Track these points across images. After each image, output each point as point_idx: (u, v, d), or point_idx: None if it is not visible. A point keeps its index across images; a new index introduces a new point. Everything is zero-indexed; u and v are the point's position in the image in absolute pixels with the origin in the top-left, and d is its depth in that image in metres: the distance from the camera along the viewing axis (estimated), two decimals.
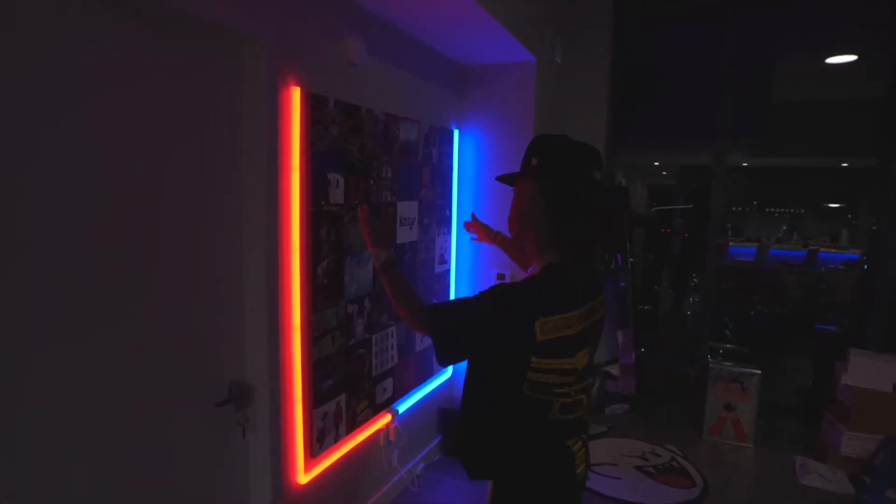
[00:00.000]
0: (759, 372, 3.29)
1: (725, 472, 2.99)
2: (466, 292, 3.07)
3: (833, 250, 7.87)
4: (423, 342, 2.72)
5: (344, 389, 2.12)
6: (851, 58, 4.04)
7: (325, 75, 1.94)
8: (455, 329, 1.19)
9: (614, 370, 3.46)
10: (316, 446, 1.99)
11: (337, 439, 2.11)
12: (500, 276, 2.94)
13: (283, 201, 1.79)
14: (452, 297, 3.05)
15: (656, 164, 10.05)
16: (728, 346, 4.69)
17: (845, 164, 8.75)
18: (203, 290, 1.59)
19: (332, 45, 1.97)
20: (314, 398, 1.97)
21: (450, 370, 3.08)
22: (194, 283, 1.56)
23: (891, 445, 2.80)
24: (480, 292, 1.17)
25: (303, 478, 1.97)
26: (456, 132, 2.93)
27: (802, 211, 9.88)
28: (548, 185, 1.17)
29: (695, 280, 5.34)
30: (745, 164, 9.35)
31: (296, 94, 1.81)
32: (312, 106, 1.85)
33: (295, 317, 1.88)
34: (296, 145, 1.83)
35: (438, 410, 2.99)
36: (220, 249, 1.65)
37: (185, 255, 1.52)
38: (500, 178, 1.31)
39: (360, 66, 2.12)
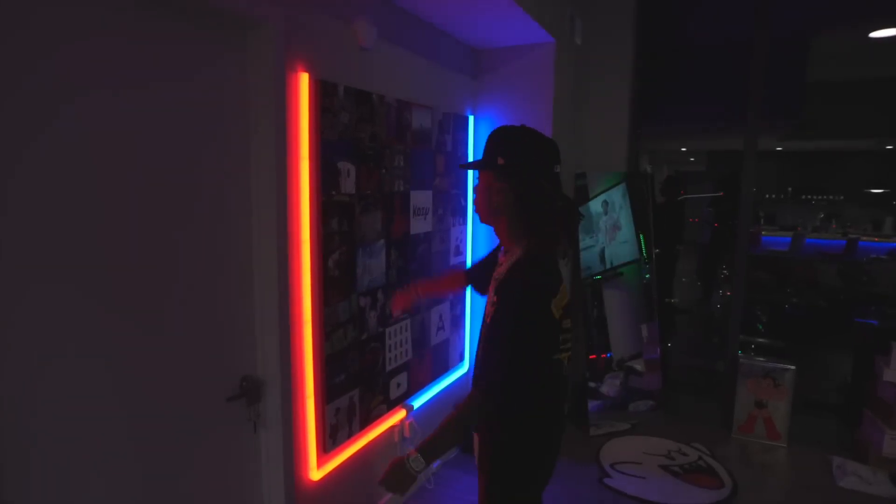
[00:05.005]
0: (793, 367, 3.13)
1: (756, 473, 2.86)
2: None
3: (875, 239, 7.49)
4: (438, 336, 2.66)
5: (357, 384, 2.08)
6: None
7: (334, 61, 1.88)
8: (507, 366, 1.28)
9: (639, 365, 3.34)
10: (329, 442, 1.96)
11: (350, 435, 2.07)
12: None
13: (292, 192, 1.75)
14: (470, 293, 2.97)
15: (683, 149, 9.74)
16: (760, 339, 4.50)
17: (889, 147, 8.29)
18: (212, 283, 1.56)
19: (342, 30, 1.90)
20: (327, 393, 1.93)
21: (466, 365, 3.01)
22: (203, 276, 1.53)
23: None
24: (515, 313, 1.25)
25: (315, 474, 1.94)
26: (471, 118, 2.84)
27: (842, 197, 9.43)
28: (516, 185, 1.29)
29: (724, 271, 5.15)
30: (778, 149, 8.98)
31: (304, 80, 1.75)
32: (321, 93, 1.80)
33: (306, 310, 1.85)
34: (304, 134, 1.78)
35: (455, 407, 2.92)
36: (229, 242, 1.61)
37: (193, 248, 1.49)
38: (464, 166, 1.45)
39: (371, 51, 2.05)
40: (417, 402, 2.50)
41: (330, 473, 2.01)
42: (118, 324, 1.30)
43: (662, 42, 4.14)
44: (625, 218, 3.36)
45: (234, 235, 1.63)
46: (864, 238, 7.45)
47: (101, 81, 1.22)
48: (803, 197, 9.67)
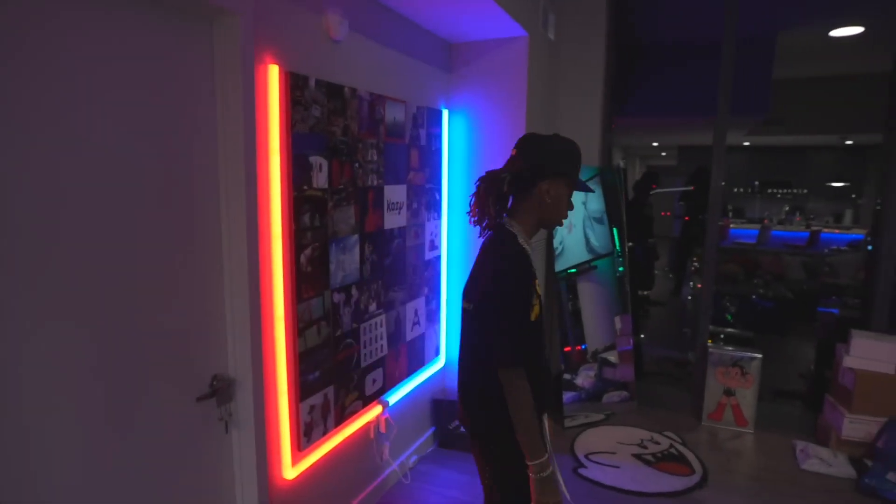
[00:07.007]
0: (759, 356, 3.23)
1: (725, 459, 2.95)
2: (459, 280, 3.00)
3: (836, 231, 7.80)
4: (413, 331, 2.66)
5: (331, 381, 2.06)
6: (857, 30, 3.90)
7: (304, 53, 1.84)
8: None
9: (612, 357, 3.40)
10: (303, 440, 1.94)
11: (325, 433, 2.05)
12: None
13: (263, 186, 1.71)
14: (445, 288, 2.98)
15: (655, 144, 9.92)
16: (730, 330, 4.63)
17: (849, 142, 8.61)
18: (181, 281, 1.51)
19: (313, 22, 1.87)
20: (300, 391, 1.91)
21: (442, 359, 3.02)
22: (171, 273, 1.48)
23: (893, 428, 2.76)
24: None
25: (290, 473, 1.91)
26: (445, 112, 2.83)
27: (805, 191, 9.77)
28: None
29: (695, 264, 5.27)
30: (746, 144, 9.23)
31: (273, 72, 1.72)
32: (292, 85, 1.76)
33: (278, 307, 1.82)
34: (275, 127, 1.74)
35: (431, 401, 2.94)
36: (198, 238, 1.57)
37: (160, 244, 1.45)
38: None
39: (343, 44, 2.02)
40: (393, 398, 2.49)
41: (305, 472, 1.99)
42: (81, 323, 1.26)
43: (635, 38, 4.19)
44: (596, 212, 3.40)
45: (203, 232, 1.58)
46: (826, 230, 7.76)
47: (58, 74, 1.17)
48: (769, 191, 9.98)
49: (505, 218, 1.47)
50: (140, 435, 1.43)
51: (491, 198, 1.42)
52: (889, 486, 2.55)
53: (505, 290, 1.35)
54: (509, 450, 1.37)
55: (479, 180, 1.48)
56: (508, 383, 1.32)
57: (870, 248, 3.57)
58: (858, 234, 7.50)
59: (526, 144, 1.48)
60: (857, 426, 2.90)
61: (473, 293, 1.45)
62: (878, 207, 3.30)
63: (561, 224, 1.53)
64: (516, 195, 1.45)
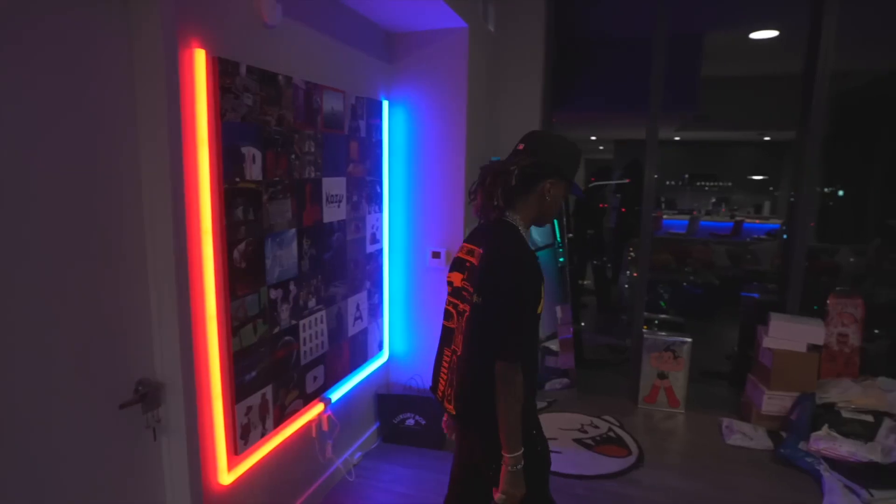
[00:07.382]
0: (689, 340, 3.41)
1: (659, 439, 3.11)
2: (401, 273, 2.97)
3: (757, 221, 8.38)
4: (355, 326, 2.61)
5: (270, 381, 1.99)
6: (773, 33, 4.18)
7: (234, 38, 1.75)
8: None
9: (554, 346, 3.49)
10: (240, 443, 1.86)
11: (263, 434, 1.98)
12: (436, 255, 2.85)
13: (190, 179, 1.61)
14: (387, 282, 2.95)
15: (593, 138, 10.24)
16: (663, 316, 4.87)
17: (767, 138, 9.24)
18: (98, 280, 1.40)
19: (243, 4, 1.77)
20: (236, 392, 1.82)
21: (385, 353, 2.99)
22: (90, 272, 1.37)
23: (804, 402, 3.00)
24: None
25: (226, 478, 1.83)
26: (385, 103, 2.78)
27: (730, 184, 10.42)
28: None
29: (631, 253, 5.50)
30: (676, 138, 9.70)
31: (200, 57, 1.61)
32: (221, 72, 1.67)
33: (210, 306, 1.72)
34: (202, 116, 1.64)
35: (375, 396, 2.91)
36: (120, 234, 1.46)
37: (78, 241, 1.33)
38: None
39: (277, 30, 1.93)
40: (335, 395, 2.44)
41: (243, 476, 1.91)
42: None
43: (573, 34, 4.29)
44: None
45: (124, 228, 1.47)
46: (748, 220, 8.32)
47: None
48: (698, 183, 10.57)
49: (506, 211, 1.46)
50: (55, 448, 1.31)
51: (498, 190, 1.42)
52: (801, 454, 2.77)
53: (521, 285, 1.36)
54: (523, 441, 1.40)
55: (484, 170, 1.48)
56: (504, 378, 1.34)
57: (785, 236, 3.86)
58: (776, 223, 8.10)
59: (536, 140, 1.49)
60: (774, 401, 3.13)
61: (484, 287, 1.40)
62: (792, 199, 3.57)
63: (551, 223, 1.56)
64: (518, 189, 1.44)
